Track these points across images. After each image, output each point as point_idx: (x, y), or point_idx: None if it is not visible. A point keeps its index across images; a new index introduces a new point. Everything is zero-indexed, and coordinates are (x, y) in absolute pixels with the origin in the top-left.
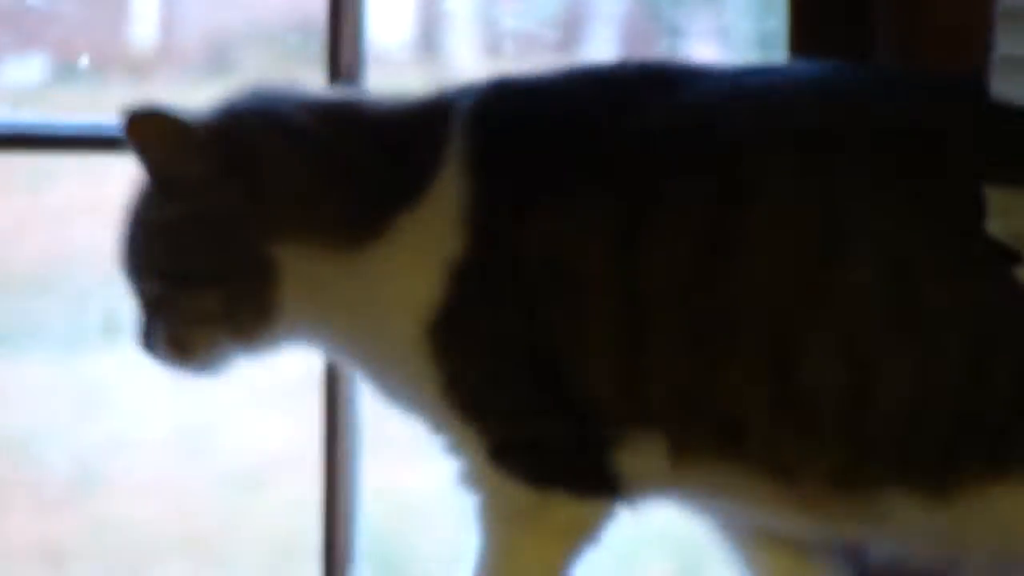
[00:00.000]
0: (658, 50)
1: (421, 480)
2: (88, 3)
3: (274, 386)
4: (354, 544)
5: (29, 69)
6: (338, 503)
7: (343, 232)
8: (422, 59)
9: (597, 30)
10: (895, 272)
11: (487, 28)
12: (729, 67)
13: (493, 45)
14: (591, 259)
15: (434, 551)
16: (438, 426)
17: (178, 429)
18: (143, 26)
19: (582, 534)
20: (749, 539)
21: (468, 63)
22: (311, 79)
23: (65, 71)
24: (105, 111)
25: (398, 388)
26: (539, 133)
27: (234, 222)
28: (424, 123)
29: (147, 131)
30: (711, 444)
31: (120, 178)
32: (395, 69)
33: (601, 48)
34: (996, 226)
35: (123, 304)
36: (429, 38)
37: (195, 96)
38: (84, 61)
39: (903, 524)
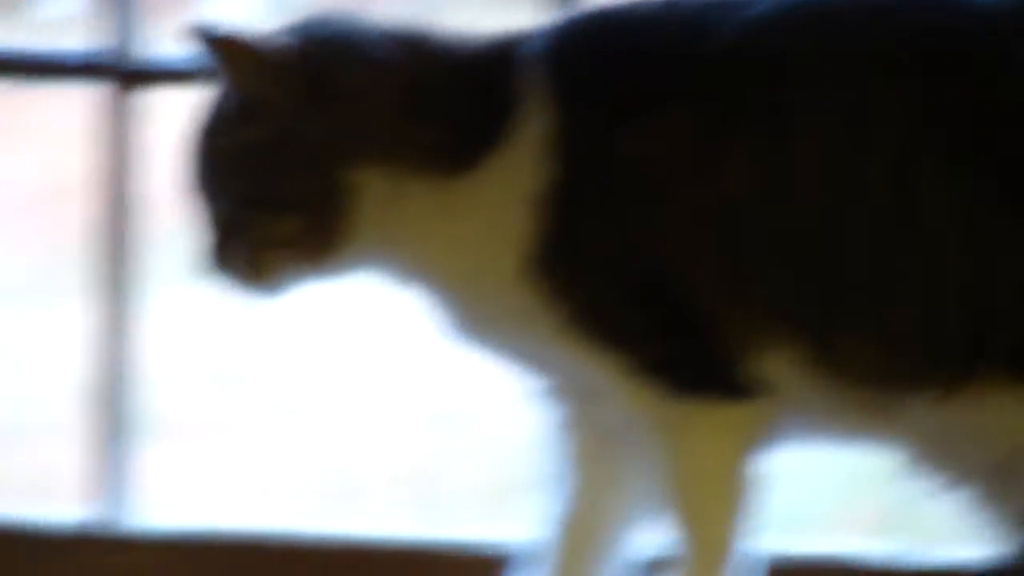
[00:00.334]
0: None
1: None
2: None
3: None
4: None
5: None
6: None
7: (432, 160)
8: None
9: None
10: (897, 173)
11: None
12: None
13: None
14: (682, 165)
15: None
16: (549, 364)
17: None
18: None
19: (745, 433)
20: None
21: None
22: None
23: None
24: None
25: (497, 326)
26: (619, 59)
27: (315, 148)
28: (498, 63)
29: (230, 53)
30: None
31: None
32: None
33: None
34: None
35: None
36: None
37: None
38: None
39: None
